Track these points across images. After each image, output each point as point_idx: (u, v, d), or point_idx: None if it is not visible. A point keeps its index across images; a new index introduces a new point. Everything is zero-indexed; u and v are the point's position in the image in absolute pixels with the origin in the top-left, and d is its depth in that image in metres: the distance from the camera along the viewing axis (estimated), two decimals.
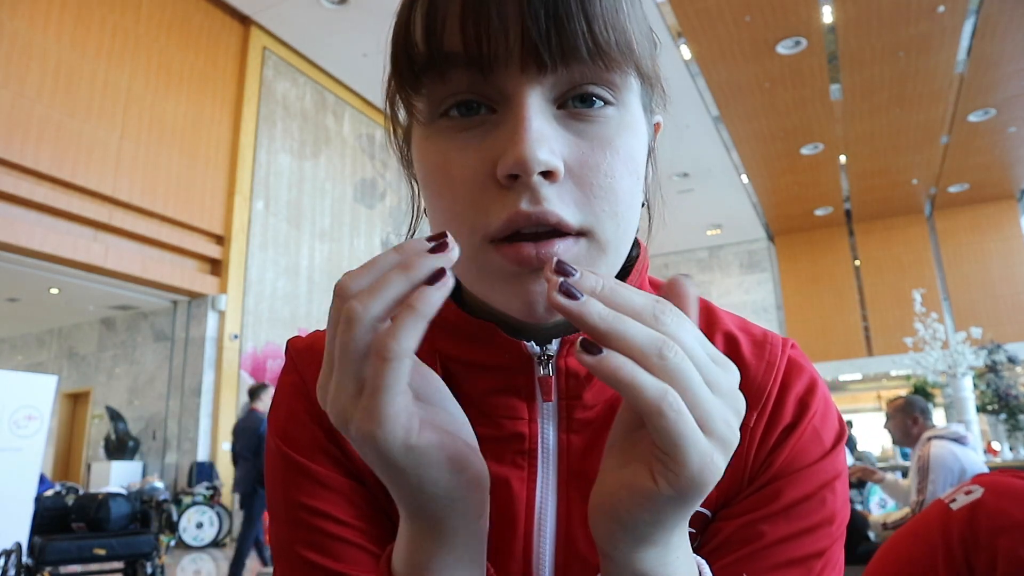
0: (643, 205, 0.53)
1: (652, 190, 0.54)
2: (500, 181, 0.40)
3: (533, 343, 0.48)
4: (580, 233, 0.41)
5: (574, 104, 0.41)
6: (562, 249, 0.40)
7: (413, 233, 0.53)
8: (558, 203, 0.40)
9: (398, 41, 0.43)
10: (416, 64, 0.41)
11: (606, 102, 0.42)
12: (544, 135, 0.39)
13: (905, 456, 9.22)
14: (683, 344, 0.32)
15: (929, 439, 3.10)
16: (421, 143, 0.44)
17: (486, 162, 0.40)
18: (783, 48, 9.64)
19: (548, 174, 0.39)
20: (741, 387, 0.51)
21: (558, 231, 0.40)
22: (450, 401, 0.39)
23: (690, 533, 0.49)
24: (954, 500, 1.23)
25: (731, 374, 0.34)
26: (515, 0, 0.39)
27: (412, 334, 0.31)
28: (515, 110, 0.40)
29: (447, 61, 0.40)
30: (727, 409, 0.33)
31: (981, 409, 8.11)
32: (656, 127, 0.52)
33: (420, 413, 0.34)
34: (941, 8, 8.87)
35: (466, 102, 0.41)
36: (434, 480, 0.34)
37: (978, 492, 1.20)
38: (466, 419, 0.39)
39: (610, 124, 0.42)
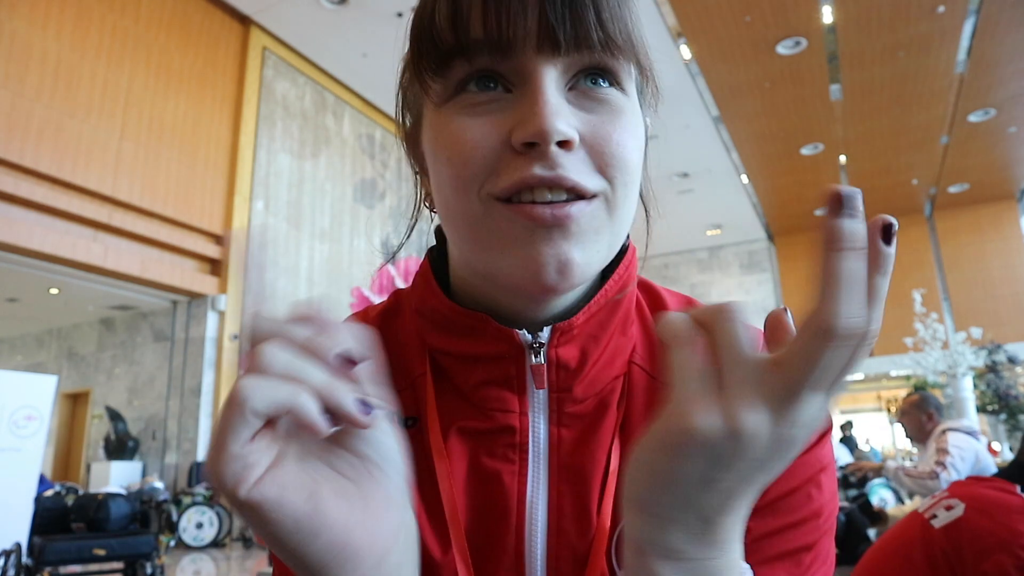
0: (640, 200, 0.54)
1: (646, 190, 0.54)
2: (515, 148, 0.41)
3: (525, 331, 0.48)
4: (595, 195, 0.43)
5: (584, 83, 0.44)
6: (576, 210, 0.42)
7: (411, 230, 0.55)
8: (574, 169, 0.42)
9: (423, 27, 0.45)
10: (442, 48, 0.43)
11: (611, 83, 0.44)
12: (560, 108, 0.41)
13: (877, 457, 9.25)
14: None
15: (944, 431, 3.17)
16: (435, 121, 0.46)
17: (501, 132, 0.42)
18: (783, 48, 9.64)
19: (564, 143, 0.41)
20: None
21: (574, 194, 0.42)
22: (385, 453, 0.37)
23: None
24: (935, 516, 1.21)
25: None
26: None
27: (269, 403, 0.32)
28: (532, 86, 0.42)
29: (471, 46, 0.42)
30: None
31: (981, 409, 8.11)
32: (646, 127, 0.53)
33: (287, 468, 0.33)
34: (941, 8, 8.87)
35: (483, 77, 0.43)
36: (279, 541, 0.34)
37: (959, 508, 1.18)
38: (395, 474, 0.38)
39: (616, 102, 0.44)
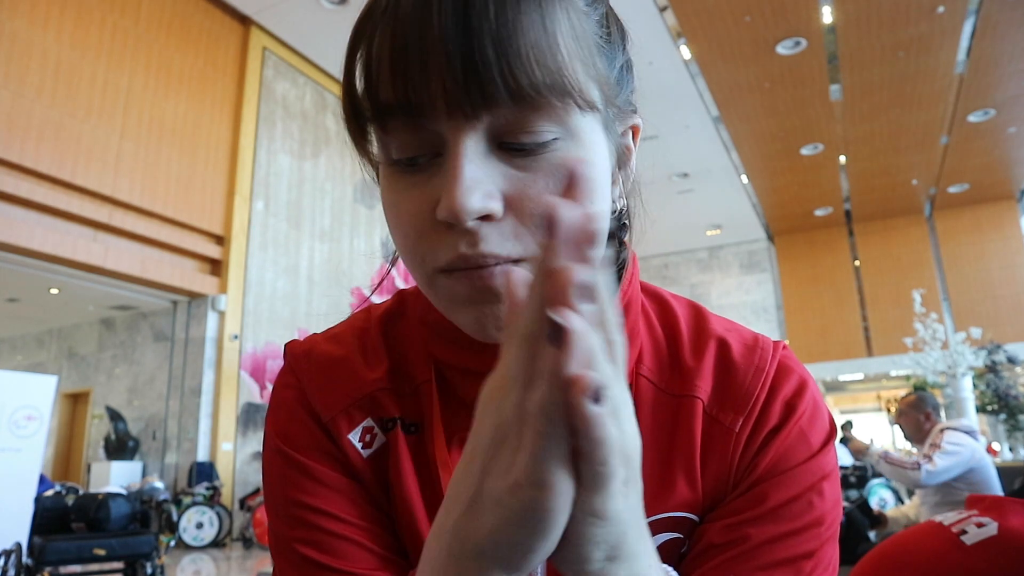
0: (616, 216, 0.52)
1: (632, 196, 0.53)
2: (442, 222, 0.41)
3: None
4: (520, 260, 0.41)
5: (512, 140, 0.41)
6: (499, 271, 0.41)
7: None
8: (496, 241, 0.41)
9: (345, 92, 0.44)
10: (361, 116, 0.43)
11: (547, 133, 0.41)
12: (478, 180, 0.39)
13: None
14: None
15: (943, 430, 3.17)
16: (380, 181, 0.47)
17: (430, 202, 0.42)
18: (783, 48, 9.64)
19: (485, 216, 0.40)
20: (729, 392, 0.51)
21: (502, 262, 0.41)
22: None
23: (678, 538, 0.49)
24: (964, 532, 1.18)
25: None
26: (436, 47, 0.38)
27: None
28: (449, 154, 0.40)
29: (386, 112, 0.41)
30: None
31: (981, 409, 8.11)
32: (634, 130, 0.51)
33: None
34: (941, 8, 8.88)
35: (409, 148, 0.42)
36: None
37: (992, 527, 1.15)
38: None
39: (554, 154, 0.41)
